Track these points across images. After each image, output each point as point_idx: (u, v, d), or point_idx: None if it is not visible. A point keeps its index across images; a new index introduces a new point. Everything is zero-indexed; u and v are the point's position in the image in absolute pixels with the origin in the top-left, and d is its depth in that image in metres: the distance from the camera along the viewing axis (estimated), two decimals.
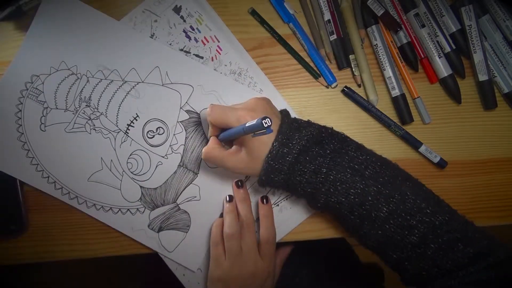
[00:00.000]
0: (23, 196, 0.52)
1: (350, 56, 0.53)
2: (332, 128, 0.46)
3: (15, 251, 0.53)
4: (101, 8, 0.52)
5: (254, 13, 0.53)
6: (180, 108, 0.52)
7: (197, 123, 0.52)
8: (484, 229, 0.44)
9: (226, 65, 0.53)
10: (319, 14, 0.53)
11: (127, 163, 0.51)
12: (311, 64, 0.53)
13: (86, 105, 0.51)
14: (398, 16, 0.52)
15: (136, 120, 0.52)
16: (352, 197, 0.43)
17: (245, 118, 0.43)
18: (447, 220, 0.42)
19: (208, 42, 0.53)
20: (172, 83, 0.52)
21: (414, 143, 0.52)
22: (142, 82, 0.52)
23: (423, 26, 0.51)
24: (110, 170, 0.51)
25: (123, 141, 0.52)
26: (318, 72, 0.53)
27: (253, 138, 0.43)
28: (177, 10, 0.53)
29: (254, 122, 0.37)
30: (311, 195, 0.45)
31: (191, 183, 0.52)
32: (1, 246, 0.53)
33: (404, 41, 0.52)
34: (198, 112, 0.52)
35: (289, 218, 0.53)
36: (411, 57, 0.52)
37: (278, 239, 0.53)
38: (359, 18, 0.53)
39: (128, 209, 0.51)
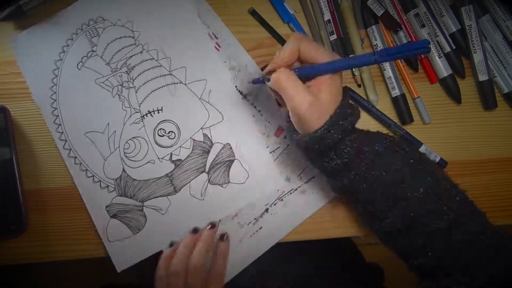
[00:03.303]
0: (23, 196, 0.52)
1: (350, 56, 0.53)
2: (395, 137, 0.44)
3: (15, 251, 0.53)
4: None
5: (254, 13, 0.53)
6: (201, 128, 0.52)
7: (205, 151, 0.52)
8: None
9: (225, 62, 0.53)
10: (319, 14, 0.53)
11: (126, 142, 0.52)
12: None
13: (126, 72, 0.52)
14: (398, 16, 0.52)
15: (158, 112, 0.52)
16: (393, 173, 0.41)
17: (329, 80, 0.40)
18: (473, 211, 0.42)
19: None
20: (208, 102, 0.52)
21: (414, 143, 0.52)
22: (185, 84, 0.52)
23: (423, 26, 0.51)
24: (108, 139, 0.52)
25: (135, 122, 0.52)
26: None
27: (332, 87, 0.40)
28: None
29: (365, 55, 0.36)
30: (345, 166, 0.42)
31: (166, 196, 0.52)
32: (1, 246, 0.53)
33: (404, 41, 0.52)
34: (213, 142, 0.52)
35: (293, 214, 0.53)
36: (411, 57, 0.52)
37: (282, 236, 0.53)
38: (359, 18, 0.53)
39: (100, 181, 0.52)
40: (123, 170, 0.52)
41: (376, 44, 0.52)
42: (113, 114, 0.52)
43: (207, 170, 0.52)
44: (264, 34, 0.53)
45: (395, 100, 0.53)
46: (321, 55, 0.41)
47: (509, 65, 0.52)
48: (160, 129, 0.52)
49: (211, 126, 0.52)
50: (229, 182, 0.52)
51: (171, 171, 0.52)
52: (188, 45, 0.52)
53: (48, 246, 0.53)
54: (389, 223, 0.42)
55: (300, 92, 0.40)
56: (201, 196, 0.52)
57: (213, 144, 0.52)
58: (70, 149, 0.52)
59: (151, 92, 0.52)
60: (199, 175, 0.52)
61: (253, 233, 0.53)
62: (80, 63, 0.52)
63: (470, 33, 0.51)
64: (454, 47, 0.52)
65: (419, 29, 0.51)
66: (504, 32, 0.51)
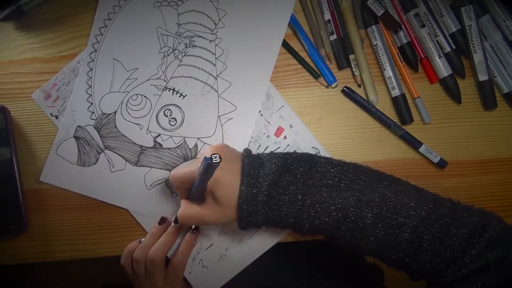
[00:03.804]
0: (23, 196, 0.52)
1: (350, 56, 0.53)
2: (295, 152, 0.46)
3: (15, 251, 0.53)
4: None
5: None
6: (198, 138, 0.52)
7: (185, 157, 0.52)
8: (471, 206, 0.44)
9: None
10: (319, 14, 0.53)
11: (136, 94, 0.52)
12: (311, 64, 0.53)
13: (185, 44, 0.51)
14: (398, 16, 0.52)
15: (179, 96, 0.52)
16: (335, 213, 0.42)
17: None
18: (433, 208, 0.42)
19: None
20: (221, 124, 0.52)
21: (414, 143, 0.52)
22: (218, 95, 0.52)
23: (423, 26, 0.51)
24: (127, 79, 0.52)
25: (156, 86, 0.52)
26: (318, 72, 0.53)
27: (219, 187, 0.43)
28: None
29: (203, 162, 0.37)
30: (295, 224, 0.44)
31: (126, 161, 0.52)
32: (1, 246, 0.53)
33: (404, 41, 0.52)
34: (196, 156, 0.52)
35: None
36: (411, 57, 0.52)
37: (281, 236, 0.53)
38: (359, 18, 0.53)
39: (92, 104, 0.52)
40: (115, 112, 0.52)
41: (376, 44, 0.52)
42: (146, 65, 0.52)
43: (171, 171, 0.52)
44: None
45: (395, 100, 0.53)
46: (190, 173, 0.45)
47: (509, 65, 0.52)
48: (169, 109, 0.52)
49: (207, 143, 0.52)
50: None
51: (147, 147, 0.52)
52: (249, 71, 0.51)
53: (48, 246, 0.53)
54: (366, 250, 0.43)
55: (201, 212, 0.45)
56: (150, 186, 0.52)
57: (195, 157, 0.52)
58: (92, 61, 0.52)
59: (188, 77, 0.52)
60: (163, 169, 0.52)
61: (253, 233, 0.53)
62: (158, 3, 0.51)
63: (470, 33, 0.51)
64: (454, 47, 0.52)
65: (419, 29, 0.51)
66: (504, 32, 0.51)
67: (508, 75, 0.52)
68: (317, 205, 0.42)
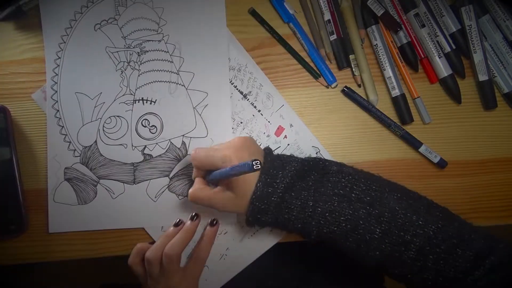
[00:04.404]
0: (23, 196, 0.52)
1: (350, 56, 0.53)
2: (314, 159, 0.46)
3: (15, 251, 0.53)
4: None
5: (254, 13, 0.53)
6: (183, 135, 0.52)
7: (177, 158, 0.52)
8: (479, 227, 0.44)
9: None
10: (319, 14, 0.53)
11: (109, 117, 0.52)
12: (311, 64, 0.53)
13: (138, 53, 0.51)
14: (398, 16, 0.52)
15: (150, 103, 0.52)
16: (344, 224, 0.42)
17: (230, 157, 0.43)
18: (441, 227, 0.42)
19: None
20: (199, 114, 0.52)
21: (414, 143, 0.52)
22: (186, 88, 0.52)
23: (423, 26, 0.51)
24: (94, 107, 0.52)
25: (126, 102, 0.52)
26: (318, 72, 0.53)
27: (237, 178, 0.43)
28: None
29: (243, 164, 0.37)
30: (302, 229, 0.44)
31: (123, 183, 0.52)
32: (1, 246, 0.53)
33: (404, 41, 0.52)
34: (188, 153, 0.52)
35: None
36: (411, 57, 0.52)
37: (281, 236, 0.53)
38: (359, 18, 0.53)
39: (70, 142, 0.52)
40: (95, 142, 0.52)
41: (376, 44, 0.52)
42: (109, 87, 0.52)
43: (170, 176, 0.52)
44: (264, 34, 0.53)
45: (395, 100, 0.53)
46: (213, 159, 0.45)
47: (509, 65, 0.52)
48: (145, 119, 0.52)
49: (192, 137, 0.52)
50: (186, 195, 0.52)
51: (138, 162, 0.52)
52: (205, 54, 0.52)
53: (48, 246, 0.53)
54: (370, 263, 0.43)
55: (214, 196, 0.45)
56: (155, 197, 0.52)
57: (187, 154, 0.52)
58: (56, 102, 0.52)
59: (152, 82, 0.52)
60: (161, 177, 0.52)
61: (254, 233, 0.53)
62: (98, 25, 0.52)
63: (470, 33, 0.51)
64: (454, 47, 0.52)
65: (419, 29, 0.51)
66: (504, 32, 0.51)
67: (508, 75, 0.52)
68: (327, 214, 0.43)
